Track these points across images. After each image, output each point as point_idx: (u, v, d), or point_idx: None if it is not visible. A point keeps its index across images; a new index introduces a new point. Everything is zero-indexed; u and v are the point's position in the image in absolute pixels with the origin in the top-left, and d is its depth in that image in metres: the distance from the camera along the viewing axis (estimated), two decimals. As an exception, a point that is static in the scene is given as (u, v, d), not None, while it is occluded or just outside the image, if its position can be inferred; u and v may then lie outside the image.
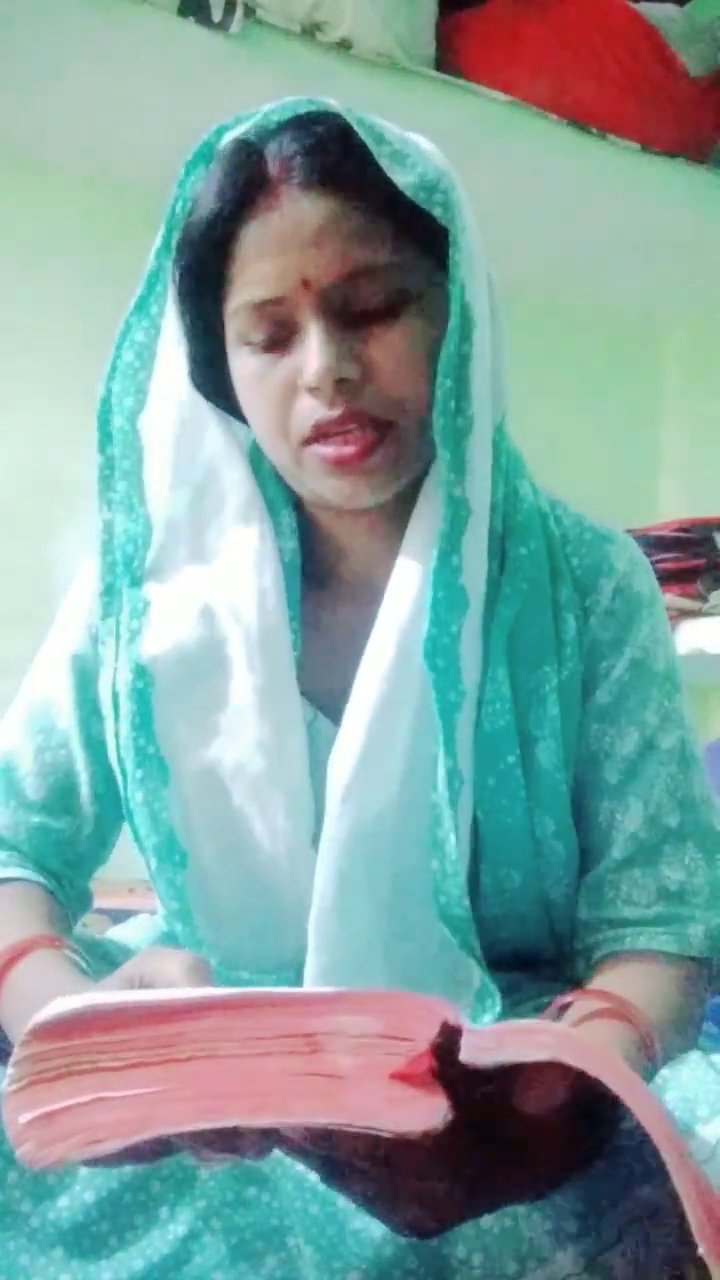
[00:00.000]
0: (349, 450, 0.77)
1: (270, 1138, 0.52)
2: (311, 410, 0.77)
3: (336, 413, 0.76)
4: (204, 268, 0.79)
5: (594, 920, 0.85)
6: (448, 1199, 0.54)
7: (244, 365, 0.80)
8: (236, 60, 1.63)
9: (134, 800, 0.84)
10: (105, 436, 0.87)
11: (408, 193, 0.76)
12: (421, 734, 0.80)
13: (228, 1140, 0.51)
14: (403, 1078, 0.48)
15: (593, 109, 1.90)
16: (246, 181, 0.76)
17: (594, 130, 1.90)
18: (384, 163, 0.75)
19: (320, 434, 0.77)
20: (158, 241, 0.83)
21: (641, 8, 1.97)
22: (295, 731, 0.83)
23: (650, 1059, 0.70)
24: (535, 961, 0.90)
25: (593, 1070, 0.47)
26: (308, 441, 0.78)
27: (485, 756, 0.81)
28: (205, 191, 0.78)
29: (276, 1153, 0.73)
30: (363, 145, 0.75)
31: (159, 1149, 0.53)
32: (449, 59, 1.85)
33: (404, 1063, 0.48)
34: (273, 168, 0.76)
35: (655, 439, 2.58)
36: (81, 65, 1.63)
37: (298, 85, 1.67)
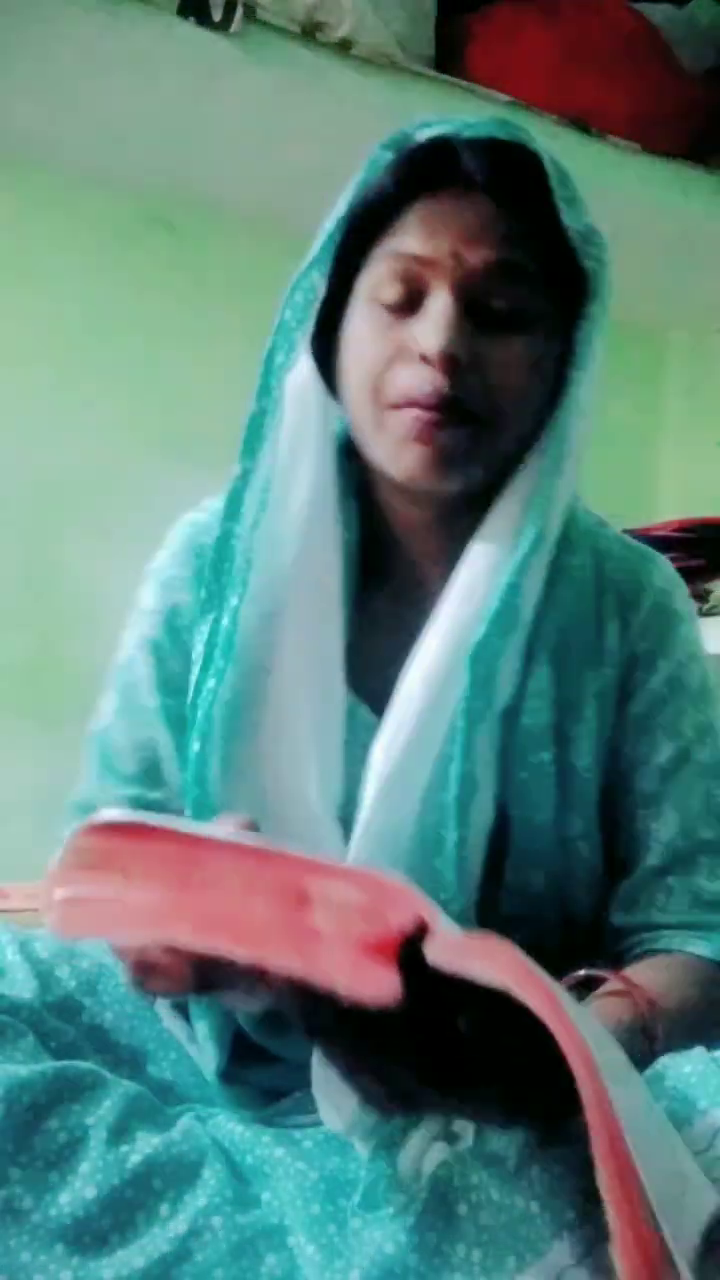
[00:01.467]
0: (430, 416, 0.79)
1: (260, 980, 0.56)
2: (411, 379, 0.79)
3: (434, 389, 0.78)
4: (362, 230, 0.82)
5: (627, 926, 0.86)
6: (402, 1079, 0.57)
7: (365, 319, 0.82)
8: (236, 60, 1.63)
9: (190, 749, 0.85)
10: (264, 386, 0.87)
11: (571, 235, 0.81)
12: (449, 743, 0.81)
13: (225, 970, 0.57)
14: (369, 950, 0.52)
15: (593, 109, 1.90)
16: (435, 170, 0.80)
17: (594, 130, 1.90)
18: (560, 202, 0.80)
19: (410, 404, 0.79)
20: (339, 208, 0.84)
21: (641, 8, 1.97)
22: (336, 710, 0.85)
23: (650, 1041, 0.70)
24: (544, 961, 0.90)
25: (533, 1003, 0.50)
26: (395, 407, 0.80)
27: (520, 752, 0.82)
28: (393, 168, 0.81)
29: (277, 1152, 0.74)
30: (543, 180, 0.80)
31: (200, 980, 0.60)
32: (449, 59, 1.85)
33: (374, 938, 0.53)
34: (465, 167, 0.80)
35: (655, 439, 2.58)
36: (81, 65, 1.63)
37: (298, 85, 1.69)
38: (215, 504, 0.91)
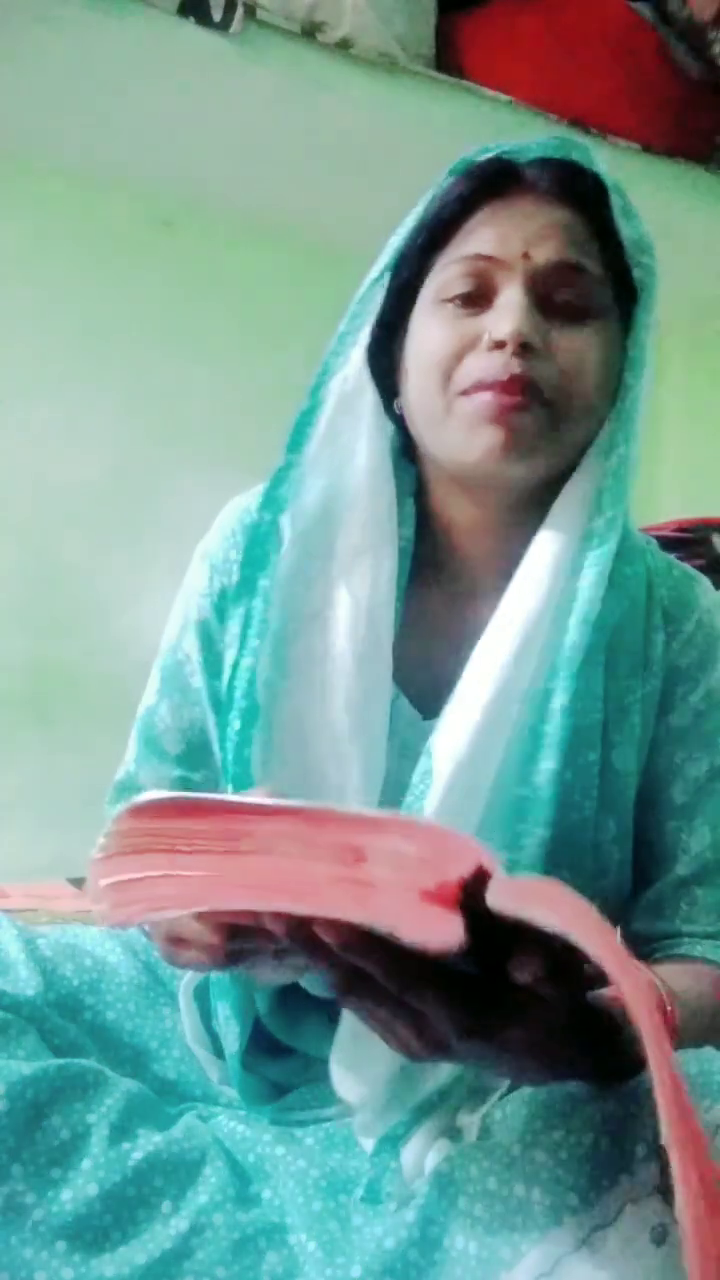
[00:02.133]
0: (506, 399, 0.80)
1: (303, 942, 0.56)
2: (483, 366, 0.81)
3: (509, 372, 0.80)
4: (429, 239, 0.85)
5: (650, 933, 0.86)
6: (442, 1031, 0.58)
7: (433, 318, 0.84)
8: (236, 60, 1.63)
9: (230, 729, 0.86)
10: (317, 384, 0.90)
11: (626, 243, 0.84)
12: (518, 736, 0.82)
13: (266, 936, 0.58)
14: (430, 898, 0.53)
15: (593, 109, 1.90)
16: (499, 179, 0.83)
17: (594, 130, 1.91)
18: (617, 211, 0.83)
19: (483, 386, 0.81)
20: (406, 224, 0.87)
21: (639, 8, 1.97)
22: (383, 701, 0.86)
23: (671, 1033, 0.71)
24: None
25: (595, 951, 0.50)
26: (465, 393, 0.82)
27: (568, 751, 0.83)
28: (459, 179, 0.85)
29: (278, 1150, 0.74)
30: (602, 191, 0.84)
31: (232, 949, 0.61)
32: (449, 59, 1.86)
33: (434, 886, 0.53)
34: (528, 176, 0.83)
35: (655, 439, 2.59)
36: (82, 65, 1.63)
37: (298, 85, 1.69)
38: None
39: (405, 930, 0.52)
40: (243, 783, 0.84)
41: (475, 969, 0.56)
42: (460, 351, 0.82)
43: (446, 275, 0.83)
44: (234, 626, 0.88)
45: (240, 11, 1.60)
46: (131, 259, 2.03)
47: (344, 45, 1.70)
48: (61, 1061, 0.73)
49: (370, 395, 0.89)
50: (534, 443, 0.81)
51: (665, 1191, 0.60)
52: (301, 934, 0.55)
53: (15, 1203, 0.66)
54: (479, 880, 0.52)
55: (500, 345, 0.80)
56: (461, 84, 1.82)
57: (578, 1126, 0.63)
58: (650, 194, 2.00)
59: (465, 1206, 0.64)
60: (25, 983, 0.80)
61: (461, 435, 0.82)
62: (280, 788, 0.85)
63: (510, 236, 0.81)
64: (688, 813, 0.87)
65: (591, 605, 0.82)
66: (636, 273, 0.84)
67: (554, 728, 0.81)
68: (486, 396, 0.80)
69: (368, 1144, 0.75)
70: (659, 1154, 0.60)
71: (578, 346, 0.82)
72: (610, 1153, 0.62)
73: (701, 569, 0.96)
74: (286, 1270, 0.68)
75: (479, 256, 0.82)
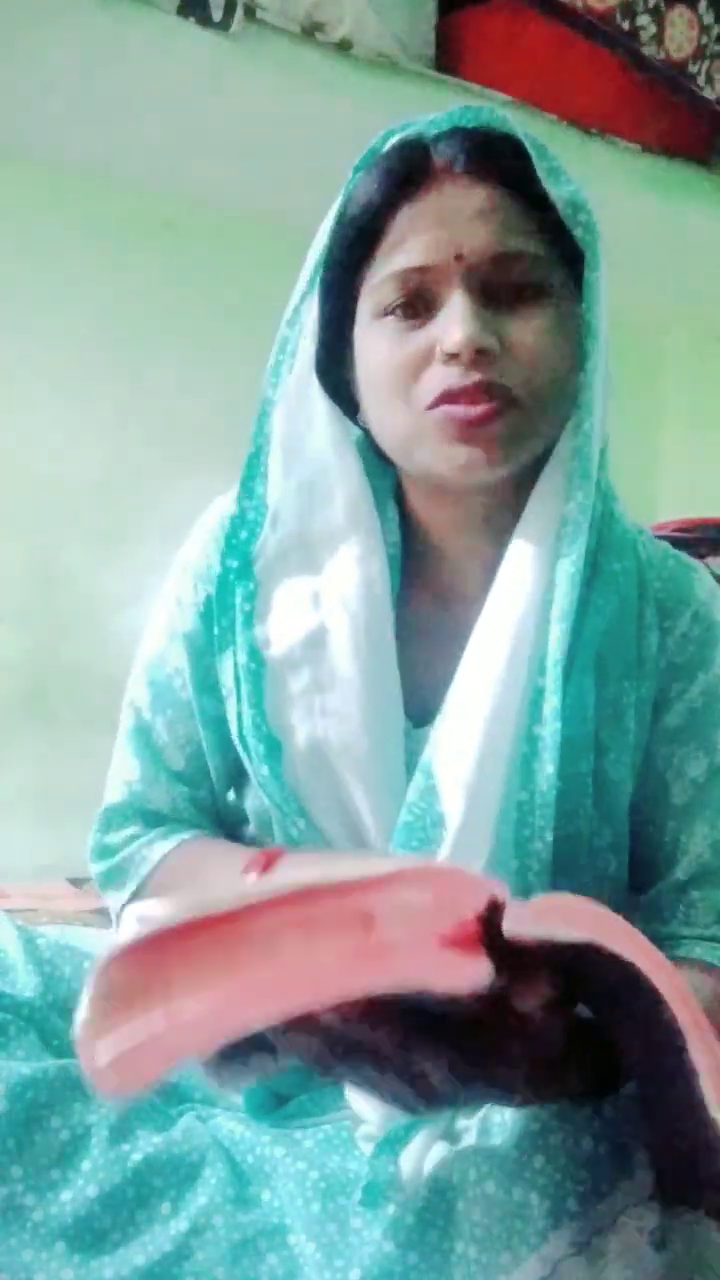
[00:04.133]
0: (476, 410, 0.77)
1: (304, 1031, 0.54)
2: (443, 378, 0.78)
3: (471, 379, 0.77)
4: (352, 250, 0.82)
5: (651, 936, 0.85)
6: (439, 1082, 0.56)
7: (376, 335, 0.81)
8: (236, 60, 1.63)
9: (260, 774, 0.85)
10: (259, 427, 0.87)
11: (559, 205, 0.79)
12: (519, 742, 0.80)
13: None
14: (450, 943, 0.50)
15: (593, 109, 1.90)
16: (410, 172, 0.79)
17: (594, 130, 1.91)
18: (542, 173, 0.79)
19: (448, 400, 0.78)
20: (320, 240, 0.84)
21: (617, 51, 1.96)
22: (397, 718, 0.85)
23: None
24: None
25: (627, 952, 0.49)
26: (431, 407, 0.79)
27: (561, 761, 0.81)
28: (366, 182, 0.81)
29: (277, 1152, 0.74)
30: (522, 157, 0.79)
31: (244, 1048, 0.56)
32: (449, 59, 1.86)
33: (451, 930, 0.50)
34: (439, 160, 0.79)
35: (655, 439, 2.59)
36: (81, 65, 1.63)
37: (298, 85, 1.69)
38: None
39: (435, 983, 0.50)
40: (298, 815, 0.85)
41: (478, 1006, 0.54)
42: (414, 367, 0.79)
43: (382, 292, 0.80)
44: (224, 678, 0.87)
45: (240, 11, 1.60)
46: (131, 259, 2.03)
47: (344, 45, 1.70)
48: (61, 1063, 0.72)
49: (325, 410, 0.86)
50: (511, 446, 0.79)
51: (664, 1197, 0.60)
52: (297, 1021, 0.53)
53: (14, 1204, 0.66)
54: (494, 912, 0.51)
55: (455, 357, 0.77)
56: (461, 84, 1.82)
57: (576, 1131, 0.63)
58: (650, 194, 2.02)
59: (464, 1210, 0.64)
60: (25, 983, 0.80)
61: (434, 454, 0.80)
62: (320, 819, 0.85)
63: (438, 241, 0.77)
64: (686, 814, 0.86)
65: (568, 597, 0.79)
66: (577, 232, 0.80)
67: (549, 731, 0.80)
68: (454, 411, 0.78)
69: (366, 1147, 0.75)
70: (654, 1159, 0.61)
71: (532, 335, 0.78)
72: (609, 1157, 0.62)
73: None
74: (286, 1272, 0.68)
75: (411, 270, 0.78)
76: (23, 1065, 0.70)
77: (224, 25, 1.60)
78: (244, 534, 0.86)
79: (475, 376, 0.77)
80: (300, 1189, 0.71)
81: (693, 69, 1.95)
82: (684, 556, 0.92)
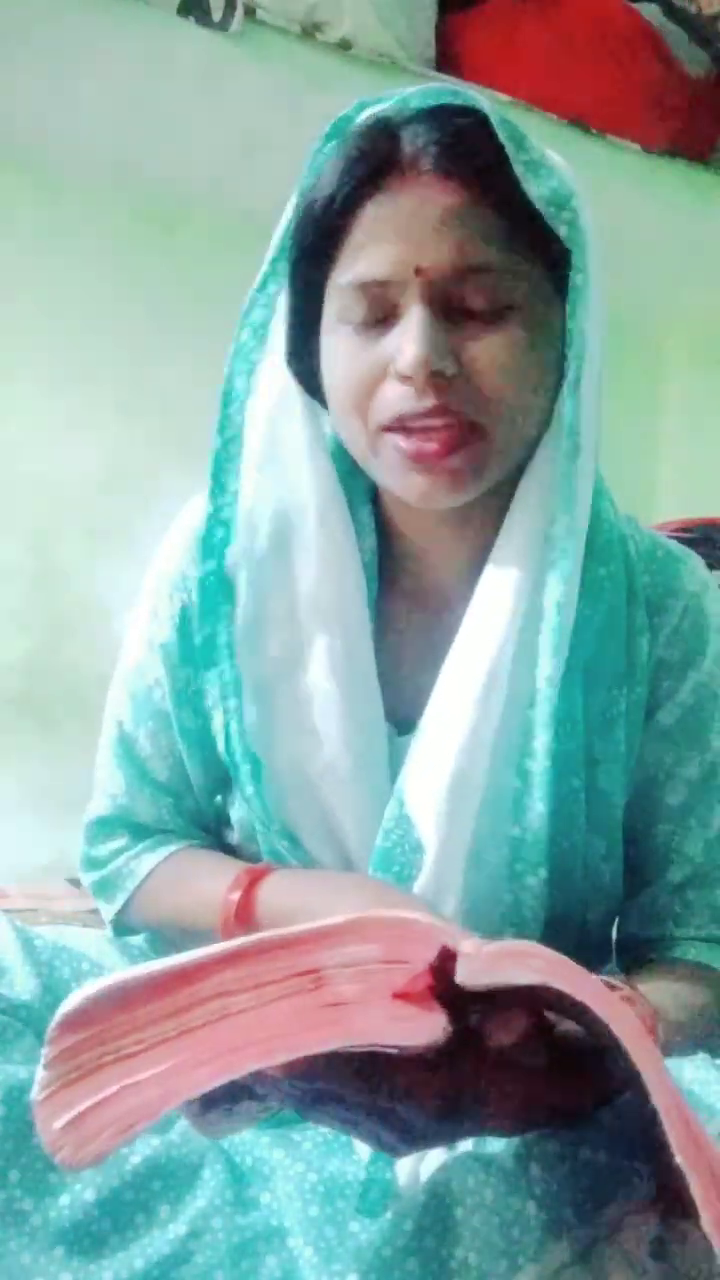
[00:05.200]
0: (429, 446, 0.74)
1: (257, 1078, 0.53)
2: (398, 398, 0.74)
3: (425, 405, 0.73)
4: (318, 243, 0.78)
5: (644, 938, 0.85)
6: (418, 1123, 0.55)
7: (337, 342, 0.77)
8: (236, 60, 1.63)
9: (245, 793, 0.84)
10: (224, 419, 0.84)
11: (538, 204, 0.74)
12: (500, 759, 0.79)
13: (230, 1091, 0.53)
14: (404, 997, 0.50)
15: (593, 109, 1.90)
16: (378, 160, 0.74)
17: (594, 130, 1.91)
18: (519, 169, 0.73)
19: (402, 425, 0.75)
20: (286, 216, 0.81)
21: (640, 7, 1.97)
22: (379, 733, 0.83)
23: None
24: None
25: (580, 994, 0.49)
26: (387, 429, 0.76)
27: (552, 780, 0.79)
28: (334, 166, 0.76)
29: (276, 1154, 0.74)
30: (500, 148, 0.73)
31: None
32: (449, 59, 1.85)
33: (404, 983, 0.50)
34: (407, 150, 0.74)
35: (655, 438, 2.58)
36: (82, 65, 1.63)
37: (298, 85, 1.68)
38: None
39: (391, 1038, 0.49)
40: (280, 835, 0.84)
41: (446, 1045, 0.54)
42: (371, 382, 0.75)
43: (343, 299, 0.76)
44: (210, 692, 0.86)
45: (240, 11, 1.60)
46: (131, 259, 2.03)
47: (344, 45, 1.70)
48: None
49: (300, 407, 0.83)
50: (471, 475, 0.76)
51: (663, 1206, 0.60)
52: (254, 1080, 0.52)
53: (12, 1209, 0.65)
54: (446, 962, 0.50)
55: (408, 378, 0.73)
56: (461, 84, 1.81)
57: (574, 1139, 0.63)
58: (650, 194, 2.01)
59: (463, 1218, 0.64)
60: (22, 985, 0.79)
61: (393, 479, 0.78)
62: (305, 837, 0.84)
63: (398, 253, 0.73)
64: (680, 815, 0.85)
65: (560, 631, 0.76)
66: (561, 231, 0.75)
67: (540, 767, 0.78)
68: (407, 445, 0.75)
69: (364, 1151, 0.74)
70: (656, 1169, 0.60)
71: (494, 354, 0.74)
72: (607, 1166, 0.62)
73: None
74: (285, 1275, 0.67)
75: (370, 283, 0.74)
76: (20, 1068, 0.70)
77: (224, 25, 1.59)
78: (220, 533, 0.84)
79: (429, 402, 0.73)
80: (299, 1191, 0.71)
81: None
82: (675, 547, 0.89)
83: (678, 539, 2.09)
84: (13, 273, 1.95)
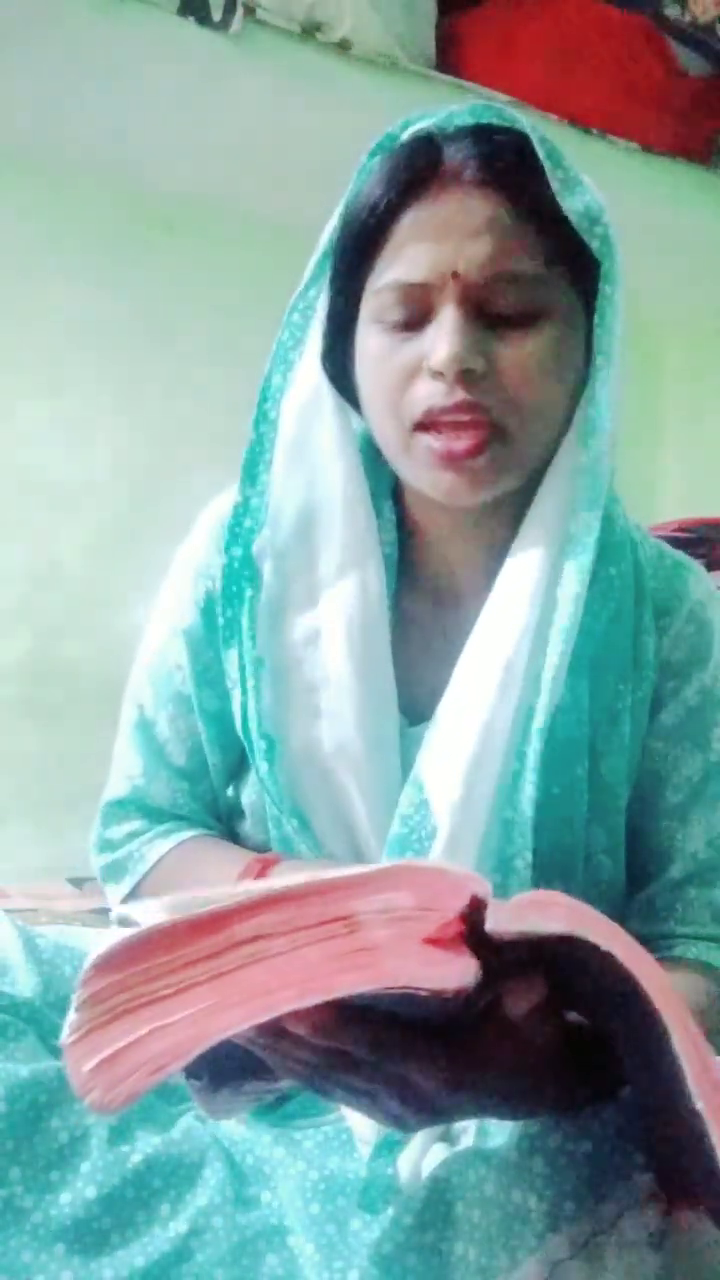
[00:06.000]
0: (459, 445, 0.78)
1: (275, 1041, 0.54)
2: (428, 395, 0.78)
3: (454, 400, 0.77)
4: (359, 247, 0.81)
5: (644, 935, 0.85)
6: (429, 1091, 0.56)
7: (372, 342, 0.81)
8: (236, 60, 1.63)
9: (260, 771, 0.86)
10: (260, 414, 0.87)
11: (572, 218, 0.78)
12: (508, 759, 0.81)
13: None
14: (434, 943, 0.50)
15: (593, 109, 1.90)
16: (421, 170, 0.78)
17: (594, 130, 1.91)
18: (556, 185, 0.78)
19: (432, 422, 0.78)
20: (332, 222, 0.84)
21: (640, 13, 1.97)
22: (391, 717, 0.85)
23: None
24: None
25: (605, 943, 0.49)
26: (419, 427, 0.79)
27: (554, 766, 0.81)
28: (379, 175, 0.80)
29: (277, 1153, 0.74)
30: (536, 164, 0.78)
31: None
32: (449, 59, 1.86)
33: (435, 929, 0.51)
34: (450, 162, 0.78)
35: (655, 439, 2.59)
36: (82, 65, 1.63)
37: (298, 85, 1.69)
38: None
39: (421, 982, 0.50)
40: (292, 814, 0.85)
41: (465, 1013, 0.54)
42: (404, 379, 0.79)
43: (381, 299, 0.80)
44: (231, 670, 0.87)
45: (240, 11, 1.60)
46: (131, 259, 2.03)
47: (344, 45, 1.70)
48: (60, 1064, 0.72)
49: (331, 405, 0.86)
50: (494, 475, 0.80)
51: (663, 1198, 0.60)
52: (275, 1030, 0.53)
53: (14, 1206, 0.66)
54: (477, 910, 0.51)
55: (440, 374, 0.77)
56: (461, 84, 1.82)
57: (575, 1133, 0.63)
58: (650, 194, 2.01)
59: (463, 1212, 0.64)
60: (24, 983, 0.80)
61: (421, 476, 0.81)
62: (316, 818, 0.85)
63: (436, 257, 0.77)
64: (682, 812, 0.86)
65: (572, 620, 0.79)
66: (593, 244, 0.80)
67: (534, 750, 0.80)
68: (437, 444, 0.78)
69: (365, 1149, 0.75)
70: (657, 1162, 0.61)
71: (524, 357, 0.78)
72: (608, 1159, 0.62)
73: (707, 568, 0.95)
74: (286, 1273, 0.68)
75: (407, 284, 0.78)
76: (22, 1066, 0.70)
77: (224, 25, 1.59)
78: (248, 523, 0.86)
79: (459, 396, 0.77)
80: (300, 1190, 0.71)
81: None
82: (681, 556, 0.92)
83: (678, 539, 2.10)
84: (12, 272, 1.95)
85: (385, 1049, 0.54)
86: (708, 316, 2.46)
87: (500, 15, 1.89)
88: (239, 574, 0.86)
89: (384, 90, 1.74)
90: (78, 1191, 0.67)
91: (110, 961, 0.49)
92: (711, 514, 2.10)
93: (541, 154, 0.78)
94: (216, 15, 1.58)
